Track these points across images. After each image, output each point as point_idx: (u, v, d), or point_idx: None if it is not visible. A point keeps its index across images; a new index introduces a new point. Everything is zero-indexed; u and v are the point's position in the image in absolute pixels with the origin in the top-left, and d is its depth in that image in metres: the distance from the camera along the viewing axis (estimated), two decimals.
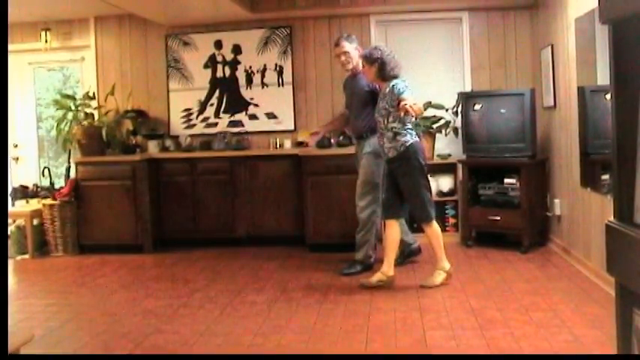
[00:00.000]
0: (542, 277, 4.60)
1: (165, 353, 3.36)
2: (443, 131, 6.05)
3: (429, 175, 4.59)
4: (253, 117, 6.48)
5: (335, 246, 5.59)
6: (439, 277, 4.44)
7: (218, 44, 6.52)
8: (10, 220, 6.08)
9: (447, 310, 3.86)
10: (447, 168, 6.08)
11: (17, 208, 6.28)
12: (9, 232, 6.03)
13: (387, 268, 4.45)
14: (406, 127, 4.41)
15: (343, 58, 5.01)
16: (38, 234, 6.10)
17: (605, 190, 4.12)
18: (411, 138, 4.40)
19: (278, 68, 6.42)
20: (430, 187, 4.58)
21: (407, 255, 5.10)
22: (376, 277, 4.46)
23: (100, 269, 5.46)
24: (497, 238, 5.70)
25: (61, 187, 6.22)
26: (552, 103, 5.39)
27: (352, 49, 5.01)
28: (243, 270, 5.18)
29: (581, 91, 4.53)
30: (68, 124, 6.15)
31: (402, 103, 4.15)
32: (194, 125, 6.57)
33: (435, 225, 4.50)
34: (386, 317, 3.78)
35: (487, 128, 5.68)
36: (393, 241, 4.49)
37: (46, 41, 6.56)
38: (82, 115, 6.20)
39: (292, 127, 6.41)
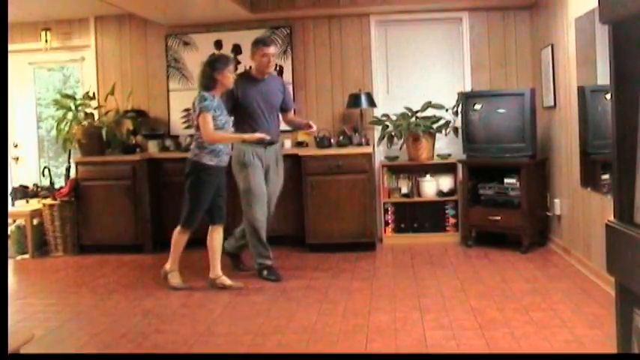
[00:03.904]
0: (542, 277, 4.60)
1: (165, 353, 3.36)
2: (443, 131, 6.05)
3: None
4: None
5: (335, 246, 5.59)
6: (173, 279, 4.66)
7: (218, 44, 6.51)
8: (10, 220, 6.07)
9: (447, 310, 3.86)
10: (447, 168, 6.08)
11: (17, 208, 6.28)
12: (9, 232, 6.03)
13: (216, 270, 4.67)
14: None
15: (272, 59, 4.93)
16: (38, 234, 6.10)
17: (605, 190, 4.11)
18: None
19: (278, 68, 6.40)
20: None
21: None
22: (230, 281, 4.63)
23: (100, 269, 5.45)
24: (497, 238, 5.70)
25: (61, 187, 6.22)
26: (552, 103, 5.39)
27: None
28: (243, 270, 5.17)
29: (581, 90, 4.53)
30: (68, 124, 6.14)
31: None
32: None
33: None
34: (386, 317, 3.78)
35: (487, 128, 5.68)
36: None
37: (46, 41, 6.56)
38: (82, 115, 6.20)
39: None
